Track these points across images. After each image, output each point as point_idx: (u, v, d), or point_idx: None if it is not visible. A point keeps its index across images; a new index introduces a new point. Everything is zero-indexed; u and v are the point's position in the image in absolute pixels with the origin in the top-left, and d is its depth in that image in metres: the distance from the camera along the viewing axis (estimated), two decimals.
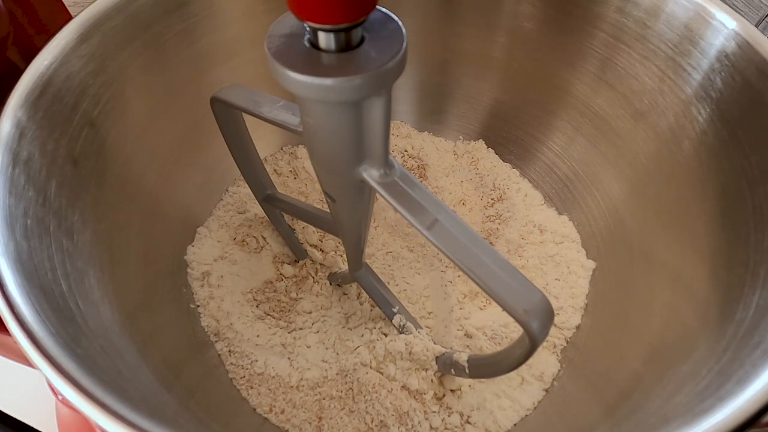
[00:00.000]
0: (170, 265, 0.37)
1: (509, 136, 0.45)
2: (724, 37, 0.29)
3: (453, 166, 0.46)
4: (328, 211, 0.30)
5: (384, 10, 0.19)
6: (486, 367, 0.29)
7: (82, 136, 0.29)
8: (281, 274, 0.40)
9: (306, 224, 0.40)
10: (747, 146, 0.28)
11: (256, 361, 0.35)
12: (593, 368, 0.34)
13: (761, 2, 0.50)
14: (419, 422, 0.33)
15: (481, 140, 0.47)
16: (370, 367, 0.35)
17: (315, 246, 0.41)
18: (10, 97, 0.26)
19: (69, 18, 0.30)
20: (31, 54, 0.27)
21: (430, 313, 0.39)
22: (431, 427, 0.33)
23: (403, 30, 0.18)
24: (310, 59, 0.18)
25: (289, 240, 0.40)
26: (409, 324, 0.36)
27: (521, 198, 0.44)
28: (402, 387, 0.35)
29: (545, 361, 0.36)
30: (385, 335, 0.36)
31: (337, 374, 0.35)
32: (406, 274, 0.40)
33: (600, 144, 0.39)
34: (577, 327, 0.37)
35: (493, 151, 0.46)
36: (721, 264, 0.28)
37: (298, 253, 0.41)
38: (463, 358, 0.31)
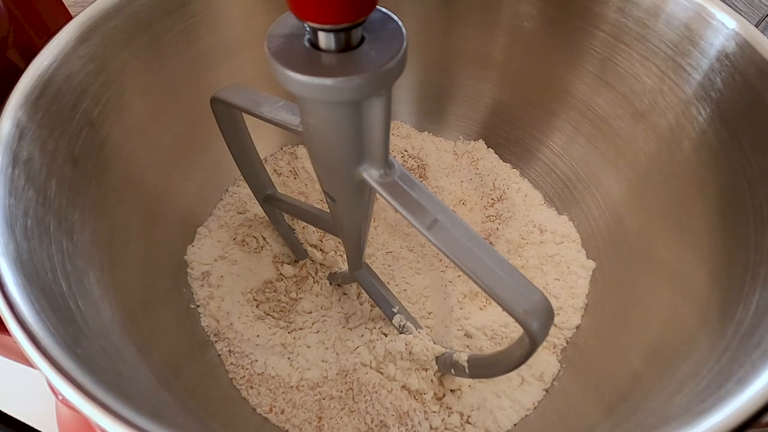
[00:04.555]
0: (170, 265, 0.37)
1: (509, 136, 0.45)
2: (724, 37, 0.29)
3: (453, 166, 0.46)
4: (328, 211, 0.30)
5: (384, 10, 0.19)
6: (486, 367, 0.29)
7: (82, 136, 0.29)
8: (281, 274, 0.40)
9: (306, 224, 0.40)
10: (747, 146, 0.28)
11: (256, 361, 0.35)
12: (593, 368, 0.34)
13: (761, 2, 0.50)
14: (419, 422, 0.33)
15: (481, 140, 0.47)
16: (370, 367, 0.35)
17: (315, 246, 0.41)
18: (10, 97, 0.26)
19: (69, 18, 0.30)
20: (31, 54, 0.27)
21: (430, 313, 0.39)
22: (431, 427, 0.33)
23: (403, 30, 0.18)
24: (310, 59, 0.18)
25: (289, 240, 0.40)
26: (409, 324, 0.36)
27: (521, 198, 0.44)
28: (402, 387, 0.34)
29: (545, 361, 0.36)
30: (385, 335, 0.36)
31: (337, 374, 0.35)
32: (406, 274, 0.40)
33: (600, 144, 0.39)
34: (577, 327, 0.37)
35: (493, 151, 0.46)
36: (721, 264, 0.28)
37: (298, 253, 0.41)
38: (463, 358, 0.31)
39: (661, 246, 0.33)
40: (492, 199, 0.44)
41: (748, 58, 0.28)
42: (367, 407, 0.34)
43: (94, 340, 0.23)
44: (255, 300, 0.38)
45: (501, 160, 0.46)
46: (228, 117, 0.31)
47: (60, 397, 0.20)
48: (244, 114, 0.30)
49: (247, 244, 0.40)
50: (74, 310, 0.24)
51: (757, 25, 0.50)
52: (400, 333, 0.36)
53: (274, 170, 0.45)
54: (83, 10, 0.30)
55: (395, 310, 0.36)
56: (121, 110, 0.32)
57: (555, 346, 0.37)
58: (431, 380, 0.35)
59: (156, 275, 0.34)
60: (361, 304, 0.38)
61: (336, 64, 0.17)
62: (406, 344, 0.34)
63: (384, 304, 0.36)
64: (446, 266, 0.41)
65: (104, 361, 0.23)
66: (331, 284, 0.40)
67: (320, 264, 0.40)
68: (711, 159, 0.30)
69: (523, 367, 0.25)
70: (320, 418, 0.33)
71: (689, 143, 0.32)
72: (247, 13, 0.37)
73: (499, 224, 0.42)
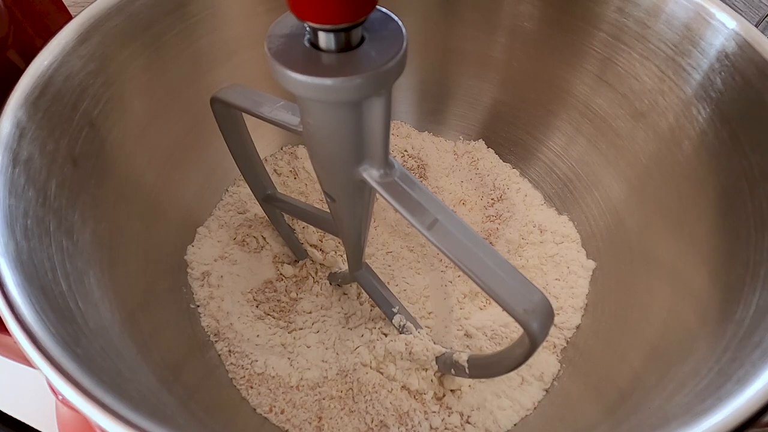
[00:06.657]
0: (170, 265, 0.37)
1: (509, 136, 0.45)
2: (724, 37, 0.29)
3: (453, 166, 0.46)
4: (328, 211, 0.30)
5: (384, 10, 0.19)
6: (486, 367, 0.29)
7: (82, 136, 0.29)
8: (281, 274, 0.40)
9: (306, 224, 0.40)
10: (747, 146, 0.28)
11: (256, 361, 0.35)
12: (593, 368, 0.34)
13: (761, 2, 0.50)
14: (419, 422, 0.33)
15: (481, 140, 0.47)
16: (370, 367, 0.35)
17: (315, 246, 0.41)
18: (10, 97, 0.26)
19: (69, 18, 0.30)
20: (31, 54, 0.27)
21: (430, 313, 0.39)
22: (431, 427, 0.33)
23: (403, 30, 0.18)
24: (310, 59, 0.18)
25: (289, 240, 0.40)
26: (409, 324, 0.36)
27: (521, 198, 0.44)
28: (402, 387, 0.34)
29: (545, 361, 0.36)
30: (385, 335, 0.36)
31: (337, 374, 0.35)
32: (406, 274, 0.40)
33: (600, 144, 0.39)
34: (577, 327, 0.37)
35: (493, 151, 0.46)
36: (721, 264, 0.28)
37: (298, 253, 0.41)
38: (463, 358, 0.31)
39: (661, 246, 0.33)
40: (492, 199, 0.44)
41: (748, 58, 0.28)
42: (367, 407, 0.34)
43: (94, 340, 0.23)
44: (255, 300, 0.38)
45: (501, 160, 0.46)
46: (228, 117, 0.31)
47: (60, 397, 0.20)
48: (244, 114, 0.30)
49: (247, 244, 0.40)
50: (74, 310, 0.24)
51: (757, 25, 0.50)
52: (400, 333, 0.36)
53: (274, 170, 0.45)
54: (83, 10, 0.30)
55: (395, 310, 0.36)
56: (121, 110, 0.32)
57: (555, 346, 0.37)
58: (431, 380, 0.35)
59: (156, 275, 0.34)
60: (361, 304, 0.38)
61: (336, 64, 0.17)
62: (406, 344, 0.34)
63: (384, 304, 0.36)
64: (446, 266, 0.41)
65: (104, 361, 0.23)
66: (331, 284, 0.40)
67: (320, 264, 0.40)
68: (711, 159, 0.30)
69: (523, 367, 0.25)
70: (320, 418, 0.33)
71: (689, 143, 0.32)
72: (247, 13, 0.37)
73: (499, 224, 0.42)
